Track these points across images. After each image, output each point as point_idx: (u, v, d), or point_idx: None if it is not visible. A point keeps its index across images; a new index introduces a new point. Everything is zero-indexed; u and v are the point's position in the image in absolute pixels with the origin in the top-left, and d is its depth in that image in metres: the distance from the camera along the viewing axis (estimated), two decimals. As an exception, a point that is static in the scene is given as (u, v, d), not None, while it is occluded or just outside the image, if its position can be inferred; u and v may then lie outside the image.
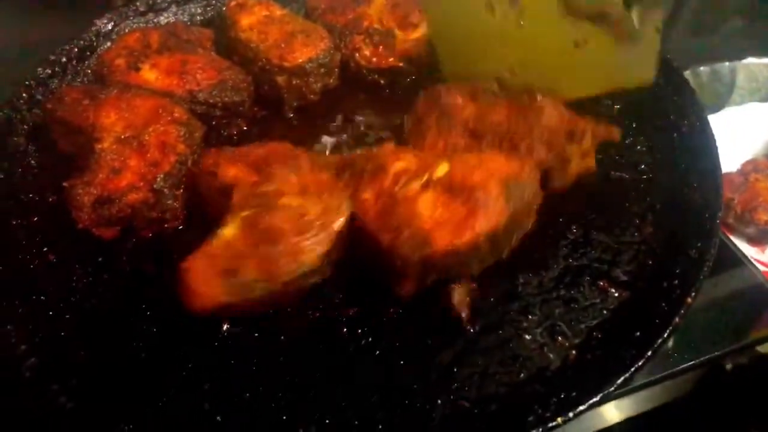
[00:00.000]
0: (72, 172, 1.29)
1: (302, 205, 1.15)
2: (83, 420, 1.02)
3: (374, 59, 1.54)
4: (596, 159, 1.35)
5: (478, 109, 1.32)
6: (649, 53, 1.26)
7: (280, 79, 1.47)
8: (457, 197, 1.14)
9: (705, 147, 1.30)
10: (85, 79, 1.58)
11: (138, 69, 1.43)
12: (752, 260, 1.84)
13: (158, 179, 1.23)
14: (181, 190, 1.28)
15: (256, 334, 1.14)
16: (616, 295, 1.17)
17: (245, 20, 1.53)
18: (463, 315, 1.12)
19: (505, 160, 1.20)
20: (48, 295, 1.19)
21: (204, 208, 1.27)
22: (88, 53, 1.61)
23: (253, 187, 1.18)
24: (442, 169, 1.19)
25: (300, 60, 1.45)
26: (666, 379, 1.27)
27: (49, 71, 1.54)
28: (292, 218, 1.13)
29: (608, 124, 1.31)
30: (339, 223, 1.14)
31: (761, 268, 1.81)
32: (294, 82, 1.47)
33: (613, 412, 1.34)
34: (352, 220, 1.17)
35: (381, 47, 1.54)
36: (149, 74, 1.43)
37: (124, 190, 1.21)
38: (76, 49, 1.59)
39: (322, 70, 1.48)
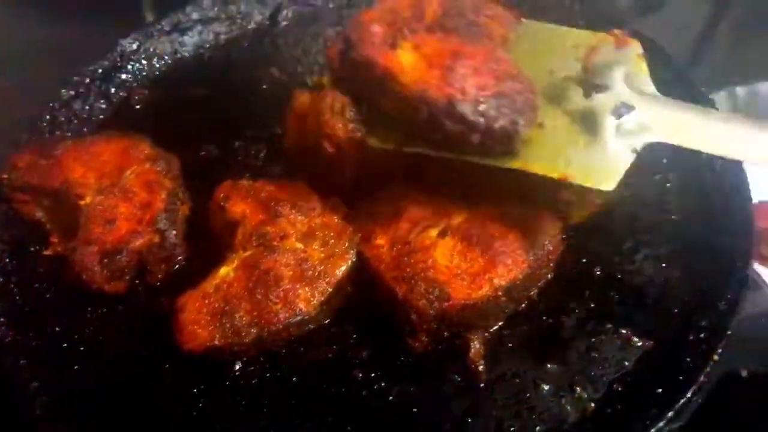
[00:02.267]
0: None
1: (306, 249, 1.14)
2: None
3: None
4: (622, 196, 1.31)
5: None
6: (616, 165, 1.08)
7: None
8: (475, 247, 1.11)
9: (738, 190, 1.24)
10: (113, 99, 1.59)
11: (395, 46, 1.10)
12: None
13: (159, 219, 1.23)
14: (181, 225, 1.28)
15: (268, 375, 1.13)
16: (639, 344, 1.13)
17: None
18: (480, 368, 1.09)
19: (525, 210, 1.16)
20: (58, 332, 1.20)
21: (213, 240, 1.26)
22: (113, 74, 1.60)
23: (258, 226, 1.17)
24: (459, 216, 1.16)
25: None
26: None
27: (73, 92, 1.54)
28: (293, 263, 1.13)
29: None
30: (341, 271, 1.13)
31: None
32: None
33: None
34: (362, 267, 1.15)
35: None
36: (406, 56, 1.09)
37: (127, 238, 1.20)
38: (100, 70, 1.58)
39: None
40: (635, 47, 1.16)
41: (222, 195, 1.23)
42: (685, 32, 2.48)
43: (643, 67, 1.15)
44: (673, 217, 1.30)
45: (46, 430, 1.04)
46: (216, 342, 1.08)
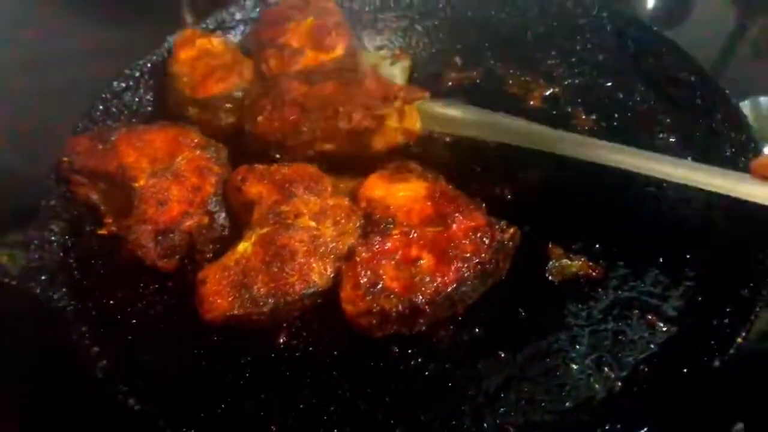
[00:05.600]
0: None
1: (318, 227, 1.22)
2: (148, 420, 1.08)
3: (276, 70, 1.56)
4: (651, 194, 1.37)
5: (309, 88, 1.43)
6: None
7: (192, 111, 1.52)
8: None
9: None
10: (155, 95, 1.67)
11: None
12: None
13: (209, 201, 1.31)
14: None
15: (311, 348, 1.19)
16: (664, 329, 1.18)
17: (183, 54, 1.60)
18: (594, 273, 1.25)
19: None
20: (113, 304, 1.28)
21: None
22: (161, 68, 1.69)
23: (274, 205, 1.25)
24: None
25: (209, 94, 1.50)
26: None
27: (124, 85, 1.62)
28: (307, 239, 1.20)
29: (418, 88, 1.44)
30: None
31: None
32: (203, 116, 1.52)
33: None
34: None
35: (286, 59, 1.56)
36: None
37: (178, 219, 1.28)
38: (149, 65, 1.67)
39: (228, 105, 1.52)
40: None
41: (239, 177, 1.31)
42: (709, 43, 2.53)
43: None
44: (699, 213, 1.35)
45: (107, 389, 1.11)
46: (235, 311, 1.15)
